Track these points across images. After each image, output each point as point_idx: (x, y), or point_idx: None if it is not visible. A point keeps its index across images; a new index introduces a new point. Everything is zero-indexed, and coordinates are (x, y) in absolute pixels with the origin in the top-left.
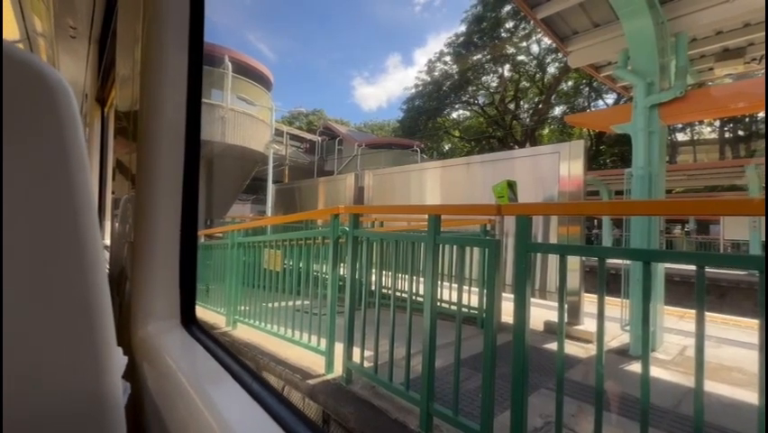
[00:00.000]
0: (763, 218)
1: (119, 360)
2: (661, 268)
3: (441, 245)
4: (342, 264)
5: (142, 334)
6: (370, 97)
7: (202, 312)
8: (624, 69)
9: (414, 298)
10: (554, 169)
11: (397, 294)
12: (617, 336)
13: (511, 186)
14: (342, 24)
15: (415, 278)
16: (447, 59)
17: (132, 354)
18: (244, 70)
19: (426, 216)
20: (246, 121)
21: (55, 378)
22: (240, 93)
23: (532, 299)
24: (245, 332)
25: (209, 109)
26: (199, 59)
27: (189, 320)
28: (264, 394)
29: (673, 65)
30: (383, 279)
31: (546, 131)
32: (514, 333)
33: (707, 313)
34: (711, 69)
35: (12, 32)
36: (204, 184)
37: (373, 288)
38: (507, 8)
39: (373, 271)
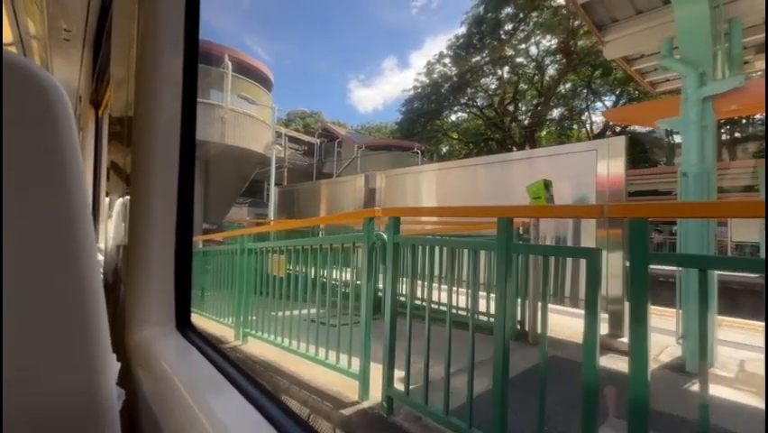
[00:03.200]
0: None
1: (113, 365)
2: (714, 275)
3: (515, 254)
4: (376, 273)
5: (137, 339)
6: (366, 100)
7: (206, 323)
8: (671, 59)
9: (464, 313)
10: (591, 167)
11: (443, 308)
12: (665, 349)
13: (547, 186)
14: (338, 26)
15: (470, 291)
16: (446, 60)
17: (127, 359)
18: (245, 70)
19: (460, 218)
20: (246, 121)
21: (48, 383)
22: (240, 93)
23: (568, 309)
24: (257, 347)
25: (208, 109)
26: (195, 60)
27: (184, 324)
28: (260, 398)
29: (721, 54)
30: (424, 291)
31: (544, 132)
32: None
33: (752, 322)
34: (746, 62)
35: (4, 34)
36: (202, 186)
37: (418, 301)
38: (507, 10)
39: (419, 282)
